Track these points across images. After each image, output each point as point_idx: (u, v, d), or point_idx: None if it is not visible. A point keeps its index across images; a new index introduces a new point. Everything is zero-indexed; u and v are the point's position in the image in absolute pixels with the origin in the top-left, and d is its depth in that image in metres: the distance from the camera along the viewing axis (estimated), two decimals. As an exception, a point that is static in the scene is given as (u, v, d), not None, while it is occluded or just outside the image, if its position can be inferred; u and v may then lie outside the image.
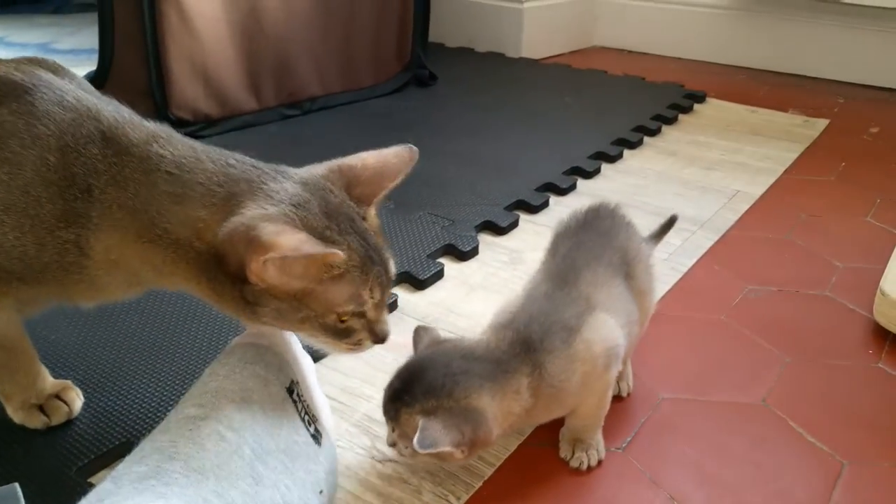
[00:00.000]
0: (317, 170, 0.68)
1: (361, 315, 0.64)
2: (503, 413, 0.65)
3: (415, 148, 0.70)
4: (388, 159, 0.69)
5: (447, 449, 0.61)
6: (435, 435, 0.61)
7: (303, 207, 0.61)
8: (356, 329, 0.64)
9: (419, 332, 0.72)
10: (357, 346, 0.66)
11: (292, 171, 0.67)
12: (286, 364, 0.66)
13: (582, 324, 0.69)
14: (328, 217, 0.62)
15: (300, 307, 0.61)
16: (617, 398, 0.81)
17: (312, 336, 0.64)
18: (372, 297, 0.63)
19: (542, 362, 0.67)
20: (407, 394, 0.65)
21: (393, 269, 0.67)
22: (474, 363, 0.66)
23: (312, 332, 0.63)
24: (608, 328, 0.71)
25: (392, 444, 0.68)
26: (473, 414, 0.63)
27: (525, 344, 0.68)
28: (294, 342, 0.71)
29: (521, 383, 0.66)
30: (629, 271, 0.77)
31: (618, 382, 0.81)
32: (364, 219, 0.66)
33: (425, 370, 0.66)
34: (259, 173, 0.64)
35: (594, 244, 0.77)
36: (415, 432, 0.61)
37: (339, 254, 0.58)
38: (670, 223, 0.94)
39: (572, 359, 0.68)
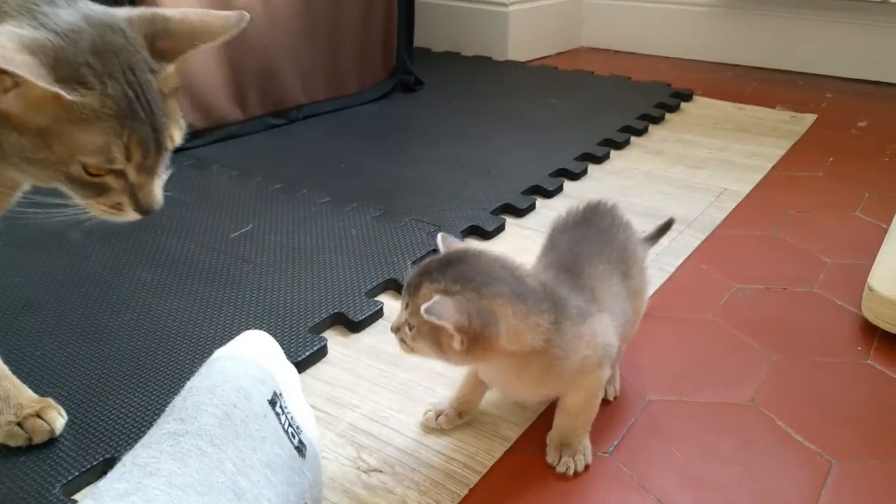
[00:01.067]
0: (122, 11, 0.62)
1: (120, 175, 0.60)
2: (516, 333, 0.64)
3: (246, 14, 0.65)
4: (211, 20, 0.64)
5: (449, 326, 0.61)
6: (443, 308, 0.61)
7: (65, 37, 0.56)
8: (113, 188, 0.61)
9: (445, 238, 0.71)
10: (115, 209, 0.62)
11: (87, 3, 0.61)
12: (268, 376, 0.66)
13: (592, 311, 0.70)
14: (95, 55, 0.57)
15: (42, 147, 0.57)
16: (604, 402, 0.81)
17: (62, 185, 0.60)
18: (129, 157, 0.59)
19: (560, 323, 0.67)
20: (438, 272, 0.65)
21: (172, 138, 0.62)
22: (514, 279, 0.66)
23: (58, 180, 0.59)
24: (608, 326, 0.71)
25: (396, 329, 0.68)
26: (490, 314, 0.63)
27: (553, 299, 0.67)
28: (277, 353, 0.70)
29: (544, 321, 0.66)
30: (627, 270, 0.77)
31: (605, 386, 0.81)
32: (154, 73, 0.61)
33: (465, 262, 0.66)
34: None
35: (595, 240, 0.77)
36: None
37: (60, 93, 0.54)
38: (667, 226, 0.94)
39: (580, 336, 0.68)
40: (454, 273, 0.64)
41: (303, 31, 1.66)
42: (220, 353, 0.68)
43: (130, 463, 0.57)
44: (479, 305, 0.63)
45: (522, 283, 0.67)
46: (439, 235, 0.71)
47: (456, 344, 0.63)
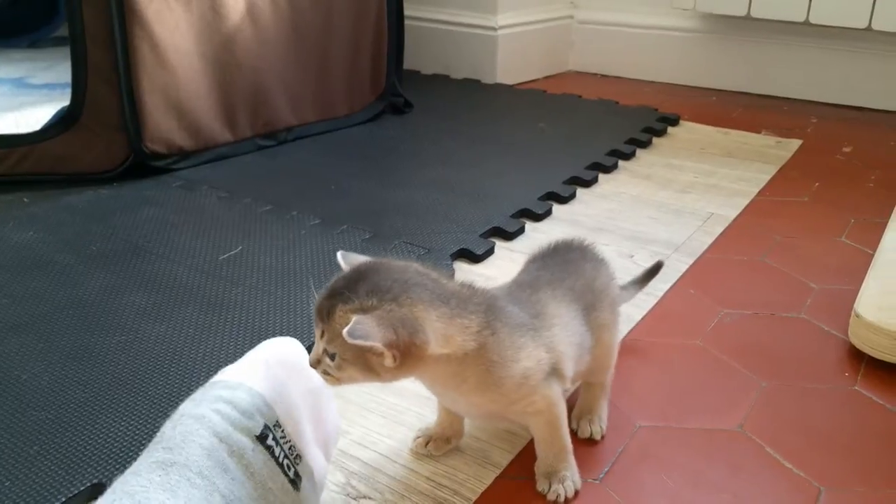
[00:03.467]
0: None
1: None
2: (444, 336, 0.61)
3: None
4: None
5: (377, 345, 0.57)
6: (367, 328, 0.57)
7: None
8: None
9: (346, 255, 0.67)
10: None
11: None
12: (264, 405, 0.64)
13: (536, 325, 0.69)
14: None
15: None
16: (591, 441, 0.81)
17: None
18: None
19: (495, 328, 0.64)
20: (349, 291, 0.60)
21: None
22: (432, 282, 0.63)
23: None
24: (554, 342, 0.70)
25: (316, 363, 0.63)
26: (414, 322, 0.59)
27: (489, 306, 0.65)
28: (293, 367, 0.68)
29: (472, 323, 0.63)
30: (593, 302, 0.77)
31: (589, 425, 0.81)
32: None
33: (376, 272, 0.61)
34: None
35: (559, 269, 0.78)
36: None
37: None
38: (655, 269, 0.95)
39: (518, 346, 0.66)
40: (366, 287, 0.60)
41: (293, 52, 1.67)
42: (219, 376, 0.66)
43: (120, 490, 0.56)
44: (400, 315, 0.59)
45: (442, 286, 0.64)
46: (339, 253, 0.66)
47: (388, 361, 0.59)
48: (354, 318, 0.58)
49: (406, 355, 0.60)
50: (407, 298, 0.60)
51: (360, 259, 0.65)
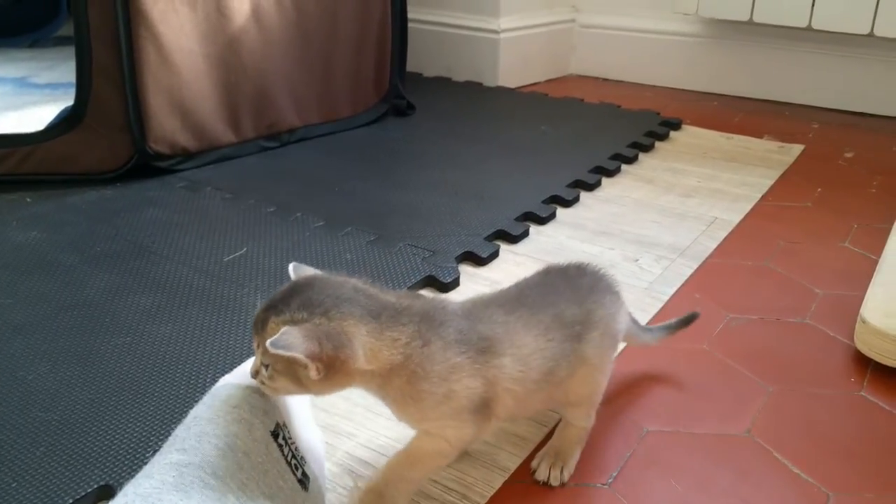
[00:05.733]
0: None
1: None
2: (372, 351, 0.61)
3: None
4: None
5: (300, 356, 0.58)
6: (291, 339, 0.58)
7: None
8: None
9: (298, 267, 0.68)
10: None
11: None
12: (272, 407, 0.65)
13: (484, 347, 0.66)
14: None
15: None
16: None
17: None
18: None
19: (428, 339, 0.63)
20: (282, 304, 0.61)
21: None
22: (366, 298, 0.63)
23: None
24: (498, 374, 0.66)
25: (255, 373, 0.64)
26: (341, 335, 0.60)
27: (425, 317, 0.64)
28: None
29: (402, 335, 0.63)
30: (581, 333, 0.72)
31: (550, 469, 0.76)
32: None
33: (311, 288, 0.62)
34: None
35: (557, 292, 0.74)
36: None
37: None
38: (689, 319, 0.92)
39: (451, 365, 0.64)
40: (299, 301, 0.61)
41: (297, 54, 1.67)
42: (225, 380, 0.67)
43: (132, 493, 0.56)
44: (328, 329, 0.60)
45: (375, 300, 0.63)
46: (291, 265, 0.67)
47: (312, 373, 0.59)
48: (283, 329, 0.59)
49: (331, 369, 0.60)
50: (337, 313, 0.61)
51: (309, 272, 0.66)
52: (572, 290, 0.74)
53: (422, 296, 0.69)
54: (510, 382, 0.67)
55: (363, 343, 0.61)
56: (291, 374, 0.61)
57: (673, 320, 0.93)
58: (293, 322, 0.60)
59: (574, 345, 0.71)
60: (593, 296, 0.75)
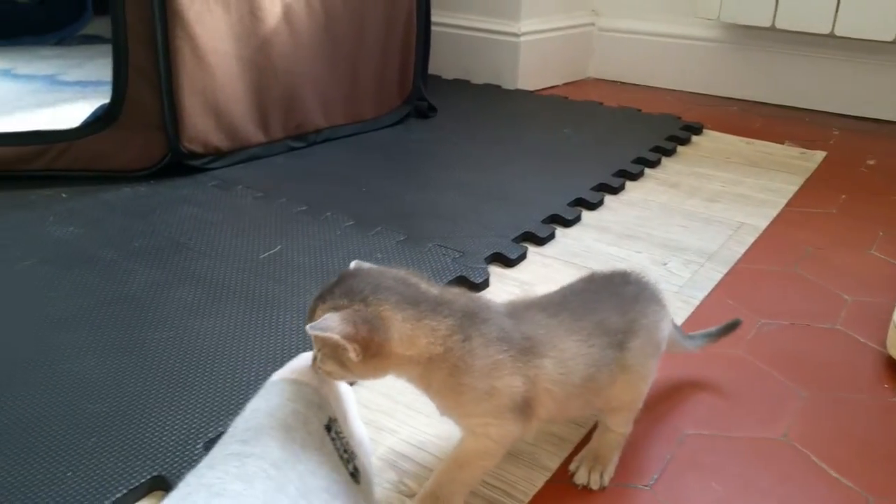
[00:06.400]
0: None
1: None
2: (409, 337, 0.64)
3: None
4: None
5: (336, 338, 0.61)
6: (329, 322, 0.62)
7: None
8: None
9: (359, 264, 0.70)
10: None
11: None
12: (325, 401, 0.67)
13: (526, 346, 0.67)
14: None
15: None
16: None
17: None
18: None
19: (470, 335, 0.65)
20: (328, 293, 0.66)
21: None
22: (406, 287, 0.66)
23: None
24: (541, 374, 0.68)
25: (313, 359, 0.68)
26: (376, 320, 0.63)
27: (468, 313, 0.66)
28: (329, 380, 0.71)
29: (441, 326, 0.65)
30: (623, 341, 0.73)
31: (590, 472, 0.77)
32: None
33: (355, 277, 0.66)
34: None
35: (601, 299, 0.74)
36: None
37: None
38: (732, 326, 0.93)
39: (494, 362, 0.65)
40: (342, 290, 0.65)
41: (326, 56, 1.68)
42: (278, 375, 0.69)
43: (196, 483, 0.58)
44: (365, 314, 0.63)
45: (415, 290, 0.66)
46: (353, 263, 0.70)
47: (352, 355, 0.63)
48: (325, 315, 0.63)
49: (369, 351, 0.64)
50: (375, 299, 0.64)
51: (366, 267, 0.70)
52: (617, 298, 0.75)
53: (467, 293, 0.70)
54: (550, 384, 0.68)
55: (398, 328, 0.64)
56: (337, 357, 0.65)
57: (714, 328, 0.93)
58: (335, 308, 0.64)
59: (616, 353, 0.72)
60: (638, 305, 0.75)
